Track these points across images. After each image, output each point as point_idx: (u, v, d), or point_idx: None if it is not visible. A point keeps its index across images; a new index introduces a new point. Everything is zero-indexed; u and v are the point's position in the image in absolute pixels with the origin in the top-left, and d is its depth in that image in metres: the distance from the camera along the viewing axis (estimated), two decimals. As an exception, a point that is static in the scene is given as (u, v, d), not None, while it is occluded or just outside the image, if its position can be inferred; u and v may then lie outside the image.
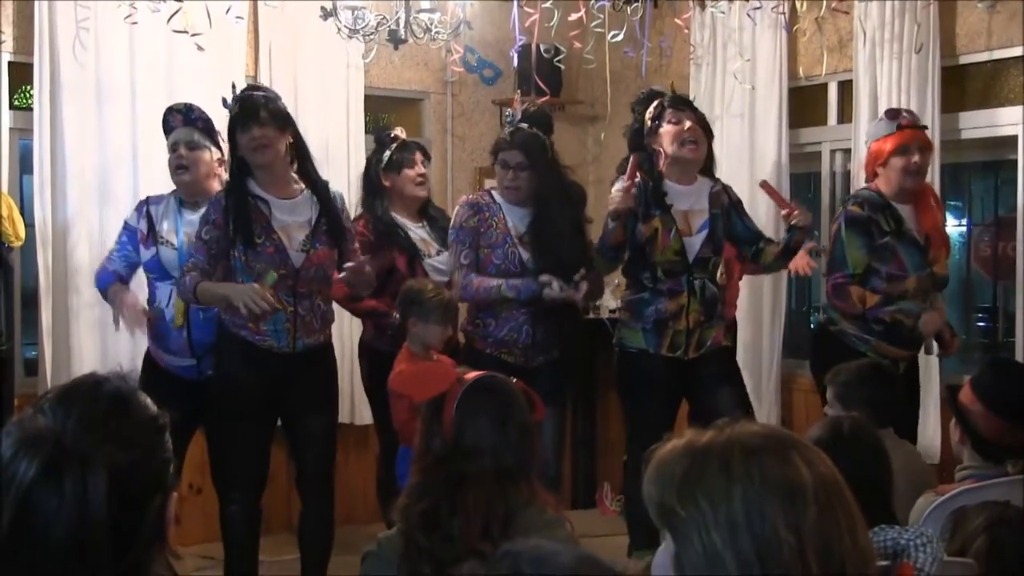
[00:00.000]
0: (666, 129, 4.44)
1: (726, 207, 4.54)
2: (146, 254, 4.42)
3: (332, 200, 4.22)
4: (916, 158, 4.53)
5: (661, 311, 4.42)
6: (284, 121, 4.14)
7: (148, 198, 4.55)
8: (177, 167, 4.38)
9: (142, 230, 4.44)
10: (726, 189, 4.62)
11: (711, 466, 1.44)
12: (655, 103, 4.50)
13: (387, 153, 4.92)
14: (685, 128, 4.43)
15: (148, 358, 4.50)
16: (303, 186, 4.21)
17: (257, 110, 4.06)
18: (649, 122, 4.49)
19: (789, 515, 1.40)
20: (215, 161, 4.42)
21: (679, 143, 4.43)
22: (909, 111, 4.73)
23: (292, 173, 4.21)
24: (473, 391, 2.56)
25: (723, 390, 4.43)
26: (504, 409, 2.51)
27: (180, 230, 4.38)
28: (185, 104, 4.49)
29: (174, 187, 4.48)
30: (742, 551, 1.40)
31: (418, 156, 4.96)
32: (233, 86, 4.27)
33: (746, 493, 1.41)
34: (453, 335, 4.52)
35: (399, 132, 5.02)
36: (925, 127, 4.71)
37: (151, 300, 4.45)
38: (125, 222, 4.57)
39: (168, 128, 4.44)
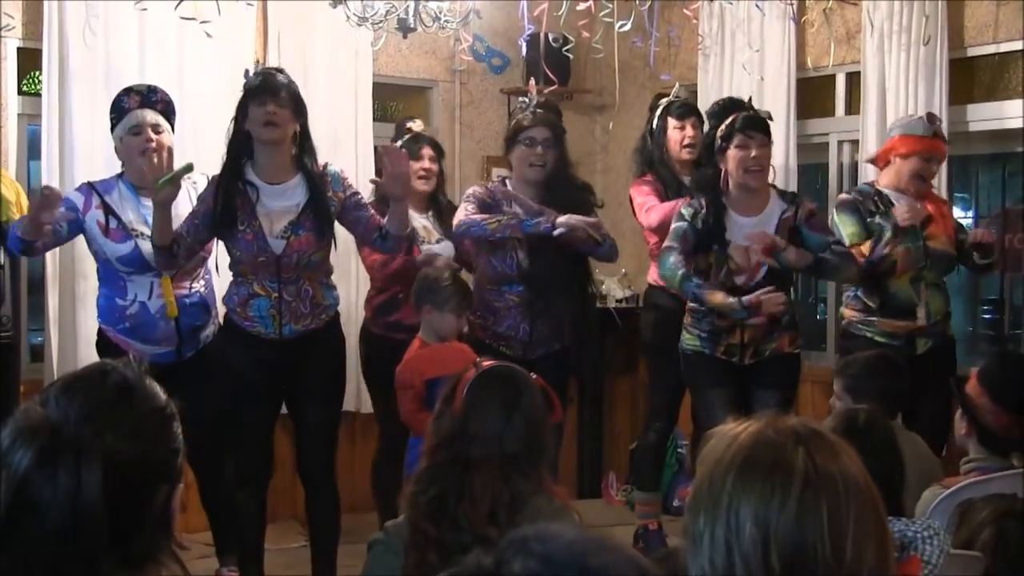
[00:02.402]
0: (732, 153, 4.36)
1: (793, 228, 4.44)
2: (123, 248, 4.33)
3: (322, 188, 4.16)
4: (935, 169, 4.66)
5: (715, 324, 4.47)
6: (299, 107, 4.15)
7: (92, 183, 4.45)
8: (144, 151, 4.27)
9: (100, 220, 4.34)
10: (798, 207, 4.49)
11: (725, 454, 1.46)
12: (729, 120, 4.38)
13: (399, 143, 4.94)
14: (751, 156, 4.35)
15: (105, 344, 4.45)
16: (298, 174, 4.18)
17: (278, 88, 4.09)
18: (719, 140, 4.40)
19: (762, 508, 1.39)
20: (172, 144, 4.39)
21: (743, 170, 4.36)
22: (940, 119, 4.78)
23: (291, 161, 4.19)
24: (485, 377, 2.57)
25: (767, 396, 4.44)
26: (513, 399, 2.51)
27: (148, 220, 4.27)
28: (147, 86, 4.47)
29: (119, 171, 4.43)
30: (715, 537, 1.41)
31: (426, 151, 4.99)
32: (257, 62, 4.27)
33: (734, 481, 1.42)
34: (512, 333, 4.54)
35: (413, 124, 5.07)
36: (947, 141, 4.76)
37: (123, 294, 4.37)
38: (65, 198, 4.36)
39: (120, 109, 4.34)
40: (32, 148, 5.26)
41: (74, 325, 5.12)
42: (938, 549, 2.29)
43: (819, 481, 1.40)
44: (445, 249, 4.90)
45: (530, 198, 4.54)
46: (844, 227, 4.62)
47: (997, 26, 5.14)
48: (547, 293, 4.49)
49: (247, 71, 4.23)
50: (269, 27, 5.63)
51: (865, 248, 4.57)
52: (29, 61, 5.23)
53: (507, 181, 4.65)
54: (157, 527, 1.55)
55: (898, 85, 5.25)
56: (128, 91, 4.39)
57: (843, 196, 4.76)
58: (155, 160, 4.24)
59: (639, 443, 5.43)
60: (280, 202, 4.13)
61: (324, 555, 4.29)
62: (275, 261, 4.10)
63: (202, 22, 5.02)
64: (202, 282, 4.44)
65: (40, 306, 5.18)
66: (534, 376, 2.66)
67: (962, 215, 5.83)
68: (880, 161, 4.74)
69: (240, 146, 4.15)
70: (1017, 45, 5.10)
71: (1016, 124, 5.14)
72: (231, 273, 4.28)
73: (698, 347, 4.54)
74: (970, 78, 5.42)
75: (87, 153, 5.13)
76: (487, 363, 2.64)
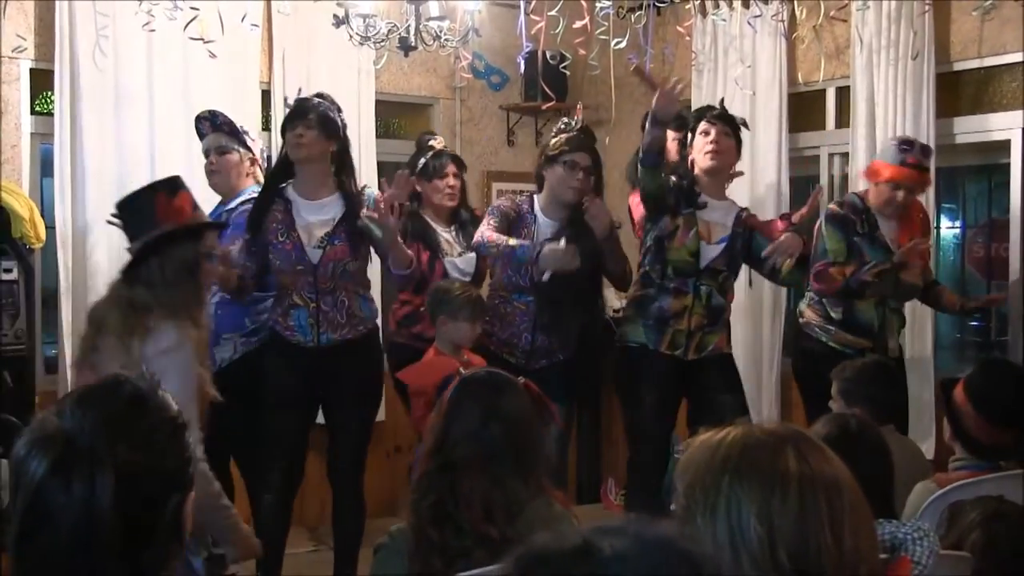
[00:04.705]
0: (697, 140, 4.58)
1: (749, 229, 4.62)
2: None
3: (357, 204, 4.33)
4: (900, 197, 4.65)
5: (664, 309, 4.53)
6: (330, 129, 4.32)
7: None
8: (208, 172, 4.61)
9: None
10: (752, 215, 4.70)
11: (715, 459, 1.53)
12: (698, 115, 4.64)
13: (422, 160, 5.08)
14: (710, 139, 4.54)
15: None
16: (337, 192, 4.37)
17: (307, 112, 4.29)
18: (691, 133, 4.63)
19: (764, 507, 1.46)
20: (245, 161, 4.61)
21: (702, 152, 4.56)
22: (924, 147, 4.76)
23: (331, 179, 4.37)
24: (465, 383, 2.66)
25: (723, 397, 4.51)
26: (491, 401, 2.58)
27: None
28: (210, 111, 4.67)
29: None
30: (718, 537, 1.47)
31: (451, 168, 5.07)
32: (299, 91, 4.49)
33: (731, 483, 1.49)
34: (515, 342, 4.61)
35: (436, 142, 5.16)
36: (927, 169, 4.76)
37: None
38: None
39: (200, 135, 4.65)
40: (45, 166, 5.35)
41: (87, 338, 5.21)
42: (927, 550, 2.31)
43: (815, 478, 1.48)
44: (467, 263, 4.97)
45: (558, 218, 4.61)
46: (830, 241, 4.68)
47: (981, 41, 5.23)
48: (555, 307, 4.56)
49: (285, 99, 4.45)
50: (274, 47, 5.74)
51: (846, 270, 4.65)
52: (42, 82, 5.33)
53: (534, 198, 4.72)
54: (169, 536, 1.59)
55: (887, 99, 5.34)
56: (199, 119, 4.65)
57: (835, 208, 4.79)
58: (216, 180, 4.58)
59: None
60: (317, 215, 4.32)
61: (345, 558, 4.42)
62: (312, 271, 4.27)
63: (207, 42, 5.13)
64: (210, 297, 4.51)
65: (54, 319, 5.27)
66: (522, 380, 2.73)
67: (949, 225, 5.94)
68: (865, 178, 4.81)
69: (281, 167, 4.37)
70: (1001, 60, 5.21)
71: (1002, 136, 5.26)
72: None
73: (641, 340, 4.56)
74: (956, 92, 5.50)
75: (98, 171, 5.24)
76: (470, 370, 2.74)
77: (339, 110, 4.42)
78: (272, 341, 4.42)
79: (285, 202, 4.34)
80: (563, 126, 4.78)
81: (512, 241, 4.50)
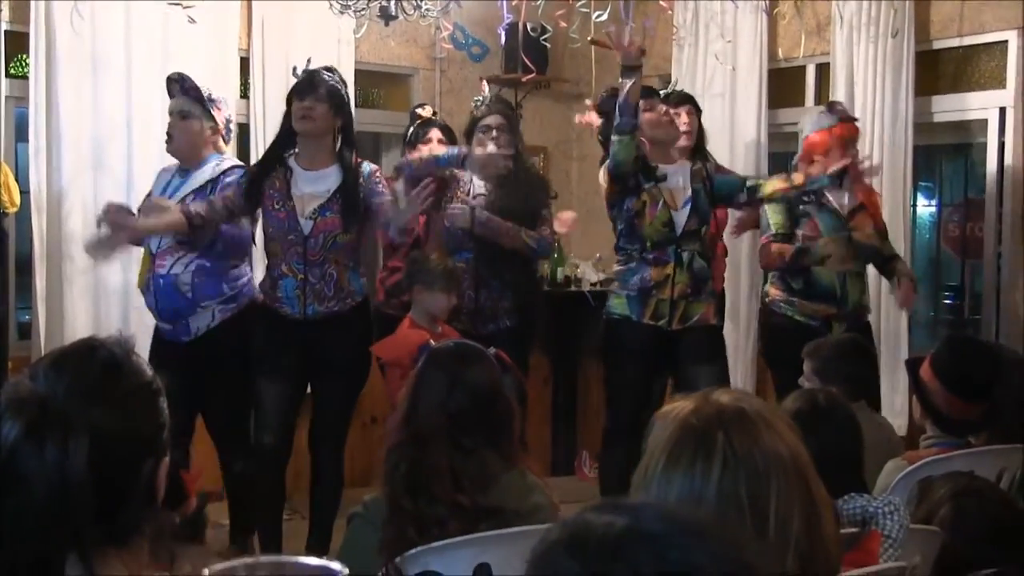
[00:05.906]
0: (643, 118, 4.55)
1: (706, 178, 4.65)
2: None
3: (355, 178, 4.35)
4: (856, 150, 4.76)
5: (646, 279, 4.54)
6: (338, 103, 4.35)
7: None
8: (168, 134, 4.57)
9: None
10: (704, 164, 4.73)
11: (664, 431, 1.54)
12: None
13: (411, 129, 5.17)
14: (660, 113, 4.62)
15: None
16: (336, 164, 4.38)
17: (317, 85, 4.32)
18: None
19: (685, 491, 1.47)
20: (207, 129, 4.55)
21: (653, 127, 4.59)
22: (841, 103, 4.92)
23: (331, 152, 4.39)
24: (432, 354, 2.69)
25: (704, 369, 4.50)
26: (457, 371, 2.60)
27: (168, 195, 4.53)
28: (179, 74, 4.62)
29: None
30: None
31: (435, 134, 5.12)
32: (308, 61, 4.46)
33: (663, 466, 1.50)
34: (459, 303, 4.56)
35: (422, 111, 5.25)
36: (856, 118, 4.90)
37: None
38: None
39: (170, 96, 4.61)
40: (20, 130, 5.30)
41: (61, 304, 5.19)
42: (898, 524, 2.36)
43: (736, 462, 1.48)
44: None
45: (492, 179, 4.65)
46: (772, 215, 4.77)
47: (962, 20, 5.28)
48: (495, 259, 4.58)
49: (294, 69, 4.44)
50: (253, 14, 5.69)
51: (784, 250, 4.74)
52: (16, 44, 5.25)
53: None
54: (143, 501, 1.58)
55: (866, 77, 5.39)
56: (169, 80, 4.62)
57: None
58: (170, 145, 4.57)
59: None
60: (313, 186, 4.34)
61: (321, 527, 4.43)
62: (303, 241, 4.29)
63: (186, 7, 5.09)
64: (185, 266, 4.48)
65: (28, 285, 5.24)
66: (493, 351, 2.75)
67: (925, 204, 5.99)
68: (804, 163, 4.81)
69: (285, 138, 4.42)
70: (980, 39, 5.25)
71: (979, 116, 5.30)
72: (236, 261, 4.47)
73: (624, 312, 4.58)
74: (935, 70, 5.56)
75: (74, 135, 5.20)
76: (441, 342, 2.75)
77: (345, 85, 4.46)
78: (262, 312, 4.43)
79: (286, 171, 4.38)
80: (475, 104, 4.89)
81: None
